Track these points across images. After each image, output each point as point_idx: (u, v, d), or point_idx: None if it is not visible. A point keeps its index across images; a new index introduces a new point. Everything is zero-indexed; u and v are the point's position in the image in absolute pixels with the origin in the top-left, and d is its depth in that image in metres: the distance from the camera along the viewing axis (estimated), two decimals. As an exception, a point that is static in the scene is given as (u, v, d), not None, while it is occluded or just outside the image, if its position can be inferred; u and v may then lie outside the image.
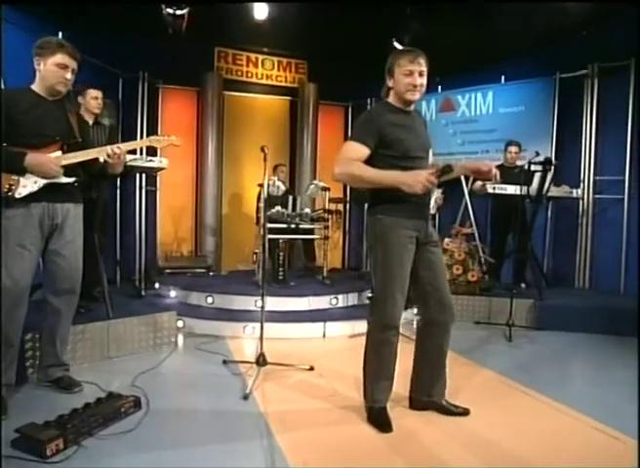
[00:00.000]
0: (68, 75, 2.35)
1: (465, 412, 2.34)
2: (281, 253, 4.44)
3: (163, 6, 4.07)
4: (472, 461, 1.94)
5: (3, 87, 3.66)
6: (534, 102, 5.16)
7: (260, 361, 2.78)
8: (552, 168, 4.01)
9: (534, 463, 1.93)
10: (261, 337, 2.83)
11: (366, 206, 2.32)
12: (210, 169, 5.69)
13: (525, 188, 4.06)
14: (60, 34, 4.15)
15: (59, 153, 2.37)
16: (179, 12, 4.06)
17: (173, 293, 4.29)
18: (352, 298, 4.29)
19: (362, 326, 3.84)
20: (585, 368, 3.20)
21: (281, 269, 4.44)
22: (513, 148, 4.59)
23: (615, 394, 2.70)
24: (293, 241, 5.02)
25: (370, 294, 4.35)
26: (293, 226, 4.43)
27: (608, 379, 2.96)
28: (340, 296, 4.21)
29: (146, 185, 5.50)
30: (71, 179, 2.42)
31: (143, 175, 5.35)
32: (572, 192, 4.55)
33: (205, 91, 5.66)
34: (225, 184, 5.91)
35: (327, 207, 4.62)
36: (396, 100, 2.21)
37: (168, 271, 5.01)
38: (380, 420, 2.21)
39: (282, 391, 2.64)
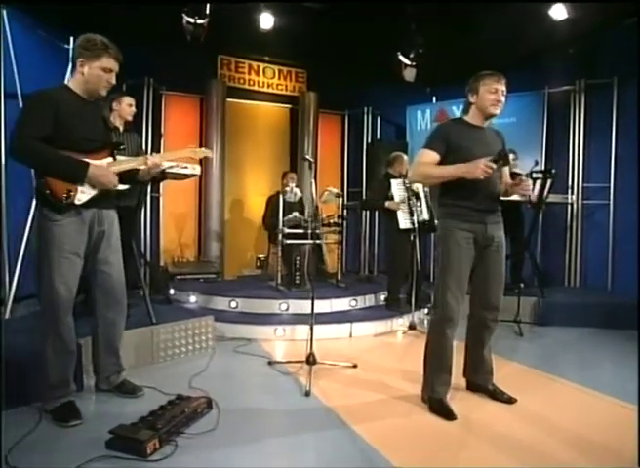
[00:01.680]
0: (113, 80, 2.30)
1: (511, 400, 2.56)
2: (297, 258, 4.57)
3: (184, 15, 4.12)
4: (530, 438, 2.15)
5: (18, 88, 3.64)
6: (525, 114, 5.51)
7: (311, 360, 2.90)
8: (552, 176, 4.34)
9: (578, 431, 2.22)
10: (311, 338, 2.95)
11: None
12: (214, 175, 5.72)
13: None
14: (72, 39, 4.16)
15: (110, 159, 2.38)
16: (200, 21, 4.12)
17: (193, 299, 4.32)
18: (369, 300, 4.46)
19: (383, 326, 4.10)
20: (596, 357, 3.50)
21: (297, 273, 4.56)
22: (511, 156, 4.90)
23: (625, 377, 2.98)
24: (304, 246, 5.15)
25: (384, 296, 4.55)
26: (309, 231, 4.56)
27: (617, 365, 3.28)
28: (359, 298, 4.37)
29: (150, 192, 5.48)
30: (126, 186, 2.47)
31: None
32: (566, 198, 4.93)
33: (208, 97, 5.70)
34: (227, 190, 5.94)
35: (340, 212, 4.78)
36: (474, 115, 2.48)
37: (178, 277, 5.01)
38: (442, 410, 2.39)
39: (337, 387, 2.77)
